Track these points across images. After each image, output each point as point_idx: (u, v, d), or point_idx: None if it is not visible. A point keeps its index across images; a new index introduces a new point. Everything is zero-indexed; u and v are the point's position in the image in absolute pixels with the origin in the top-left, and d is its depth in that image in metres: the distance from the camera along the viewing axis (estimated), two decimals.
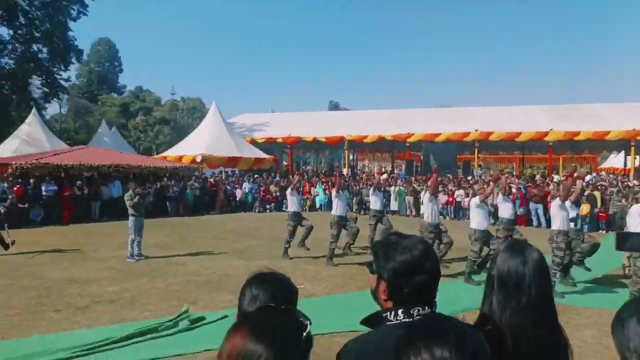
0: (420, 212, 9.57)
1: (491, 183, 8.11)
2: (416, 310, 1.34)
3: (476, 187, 8.38)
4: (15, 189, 14.89)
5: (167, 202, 18.36)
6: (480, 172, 23.11)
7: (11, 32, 30.48)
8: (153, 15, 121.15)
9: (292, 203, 10.41)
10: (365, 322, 1.41)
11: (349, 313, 6.03)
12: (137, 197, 9.81)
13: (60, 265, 9.12)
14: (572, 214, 7.81)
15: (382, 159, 33.27)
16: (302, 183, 19.81)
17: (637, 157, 23.01)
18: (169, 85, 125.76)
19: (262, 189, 21.17)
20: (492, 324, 1.49)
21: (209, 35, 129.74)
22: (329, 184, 22.09)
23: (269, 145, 27.15)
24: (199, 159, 21.96)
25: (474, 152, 24.85)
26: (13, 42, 30.78)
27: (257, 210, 20.47)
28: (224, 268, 8.94)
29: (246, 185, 21.16)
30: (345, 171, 26.78)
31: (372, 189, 11.56)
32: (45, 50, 31.49)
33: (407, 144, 25.49)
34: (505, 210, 8.74)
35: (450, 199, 18.58)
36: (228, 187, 21.06)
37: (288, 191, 10.80)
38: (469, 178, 21.08)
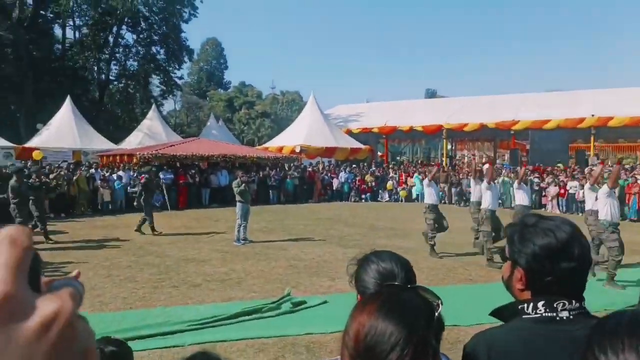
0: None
1: (599, 165, 7.63)
2: (561, 304, 1.16)
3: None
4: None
5: (269, 190, 19.33)
6: (597, 161, 20.93)
7: (135, 36, 34.04)
8: (254, 14, 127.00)
9: (429, 195, 9.72)
10: (496, 313, 1.26)
11: (448, 306, 5.89)
12: (243, 184, 10.46)
13: (177, 246, 10.08)
14: None
15: (484, 148, 31.58)
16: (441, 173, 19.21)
17: None
18: (269, 80, 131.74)
19: (357, 178, 21.34)
20: None
21: (306, 30, 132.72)
22: (426, 173, 21.58)
23: (364, 135, 27.18)
24: (297, 150, 22.73)
25: (589, 140, 22.55)
26: (136, 46, 34.33)
27: (352, 199, 20.70)
28: (322, 254, 9.22)
29: (342, 175, 21.48)
30: (443, 161, 25.94)
31: (516, 182, 9.92)
32: (162, 51, 34.67)
33: (512, 132, 23.89)
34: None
35: (562, 191, 17.14)
36: (325, 177, 21.56)
37: (425, 182, 10.14)
38: (585, 168, 19.22)
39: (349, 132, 26.80)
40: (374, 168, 22.74)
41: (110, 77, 34.13)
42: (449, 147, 29.27)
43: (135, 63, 34.51)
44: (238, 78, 70.03)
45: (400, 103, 31.56)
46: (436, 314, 0.87)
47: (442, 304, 0.90)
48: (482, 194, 9.07)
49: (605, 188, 7.39)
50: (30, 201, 10.03)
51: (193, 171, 18.24)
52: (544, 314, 1.16)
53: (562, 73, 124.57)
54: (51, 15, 31.98)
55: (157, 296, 6.47)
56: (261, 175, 19.06)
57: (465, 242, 10.29)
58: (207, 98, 53.09)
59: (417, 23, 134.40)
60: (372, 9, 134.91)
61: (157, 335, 5.05)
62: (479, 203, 9.27)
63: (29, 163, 16.76)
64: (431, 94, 63.02)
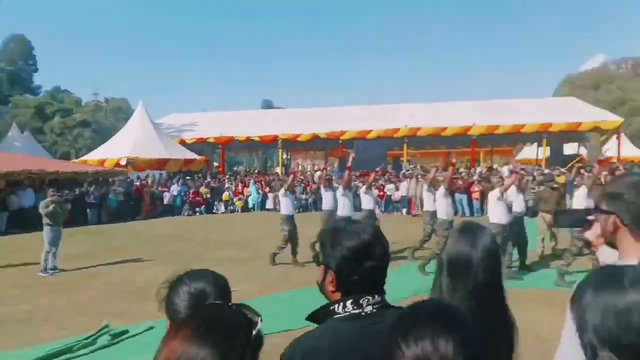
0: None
1: (513, 175, 8.32)
2: (366, 300, 1.27)
3: (494, 179, 8.72)
4: None
5: (88, 209, 17.17)
6: (410, 166, 23.88)
7: None
8: (74, 11, 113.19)
9: (285, 205, 9.34)
10: (311, 317, 1.33)
11: (283, 313, 5.91)
12: (53, 205, 9.04)
13: None
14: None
15: (316, 157, 33.44)
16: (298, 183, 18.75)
17: (548, 147, 24.88)
18: (91, 86, 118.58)
19: (192, 191, 20.44)
20: None
21: (136, 34, 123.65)
22: (262, 183, 21.83)
23: (199, 146, 26.31)
24: (123, 162, 20.79)
25: (403, 148, 25.67)
26: None
27: (186, 213, 19.72)
28: (152, 275, 8.46)
29: (174, 188, 20.31)
30: (279, 170, 26.63)
31: (364, 187, 9.91)
32: None
33: (340, 142, 25.78)
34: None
35: (381, 193, 19.04)
36: (155, 191, 20.06)
37: (281, 192, 9.60)
38: (400, 172, 21.72)
39: (183, 143, 25.64)
40: (209, 179, 22.10)
41: None
42: (285, 156, 30.21)
43: None
44: (52, 82, 61.56)
45: (237, 113, 31.49)
46: (254, 331, 0.86)
47: (261, 320, 0.89)
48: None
49: (442, 190, 8.25)
50: None
51: None
52: (351, 311, 1.26)
53: (380, 86, 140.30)
54: None
55: None
56: (77, 192, 16.82)
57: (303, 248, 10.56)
58: (10, 104, 45.26)
59: (254, 35, 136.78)
60: (210, 17, 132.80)
61: None
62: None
63: None
64: (267, 105, 64.58)
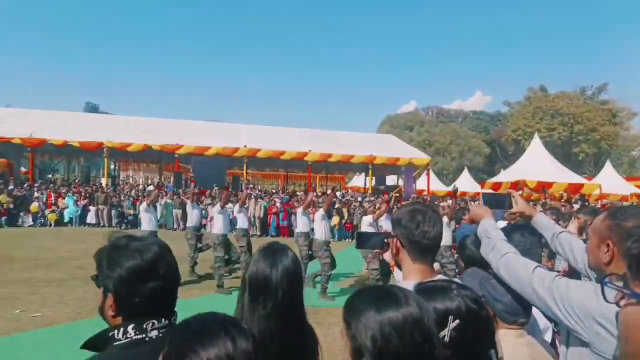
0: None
1: (383, 205, 8.54)
2: (150, 324, 1.15)
3: (367, 205, 8.81)
4: None
5: None
6: (250, 186, 23.94)
7: None
8: None
9: (147, 221, 8.68)
10: (89, 345, 1.18)
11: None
12: None
13: None
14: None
15: (149, 170, 31.15)
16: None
17: (374, 178, 27.67)
18: None
19: None
20: None
21: None
22: (82, 194, 19.36)
23: (1, 146, 22.13)
24: None
25: (242, 167, 25.64)
26: None
27: None
28: None
29: None
30: (104, 181, 23.99)
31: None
32: None
33: (176, 156, 24.50)
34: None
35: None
36: None
37: (142, 206, 8.96)
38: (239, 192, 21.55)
39: None
40: (12, 186, 18.71)
41: None
42: (112, 166, 27.39)
43: None
44: None
45: (53, 113, 27.52)
46: None
47: None
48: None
49: (321, 212, 8.20)
50: None
51: None
52: (133, 337, 1.14)
53: (220, 104, 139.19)
54: None
55: None
56: None
57: None
58: None
59: (78, 29, 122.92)
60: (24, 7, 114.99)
61: None
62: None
63: None
64: (92, 108, 58.37)
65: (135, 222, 18.35)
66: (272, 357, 1.43)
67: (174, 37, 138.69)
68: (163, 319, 1.18)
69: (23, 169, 25.65)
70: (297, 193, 21.68)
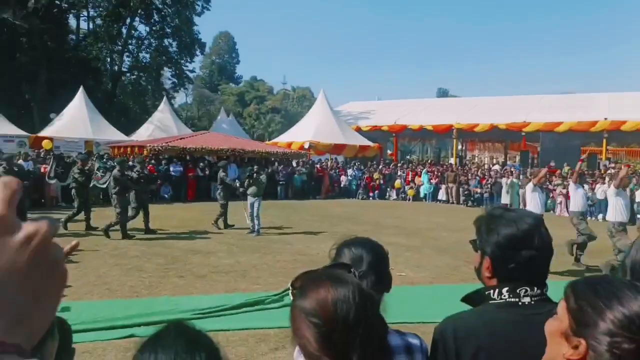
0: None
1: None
2: (523, 290, 1.24)
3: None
4: (149, 167, 16.85)
5: (277, 186, 19.41)
6: (611, 165, 20.73)
7: (147, 28, 34.26)
8: (267, 9, 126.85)
9: (532, 201, 8.32)
10: (466, 299, 1.35)
11: (451, 304, 5.91)
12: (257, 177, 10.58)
13: (185, 237, 10.20)
14: None
15: (494, 149, 31.39)
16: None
17: None
18: (281, 75, 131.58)
19: (366, 176, 21.35)
20: None
21: (318, 26, 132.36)
22: (435, 173, 21.52)
23: (374, 133, 27.15)
24: (306, 146, 22.78)
25: (601, 144, 22.32)
26: (149, 38, 34.55)
27: (360, 197, 20.72)
28: (326, 249, 9.17)
29: (350, 172, 21.50)
30: (452, 161, 25.83)
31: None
32: (174, 44, 34.85)
33: (523, 134, 23.72)
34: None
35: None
36: (333, 174, 21.60)
37: (529, 186, 8.65)
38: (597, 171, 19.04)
39: (359, 130, 26.79)
40: (382, 166, 22.73)
41: (123, 69, 34.40)
42: (459, 147, 29.12)
43: (148, 55, 34.76)
44: (250, 73, 70.60)
45: (411, 101, 31.47)
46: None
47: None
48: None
49: (612, 190, 7.47)
50: (133, 192, 10.03)
51: (202, 164, 18.36)
52: (507, 299, 1.24)
53: (574, 76, 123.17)
54: (66, 6, 32.27)
55: (164, 285, 6.58)
56: (269, 170, 19.13)
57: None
58: (219, 92, 53.30)
59: (431, 23, 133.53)
60: (386, 7, 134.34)
61: (162, 322, 5.12)
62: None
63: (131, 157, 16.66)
64: (443, 94, 62.74)
65: (481, 200, 19.09)
66: None
67: (525, 17, 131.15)
68: (535, 288, 1.24)
69: (389, 152, 30.61)
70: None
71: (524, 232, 1.25)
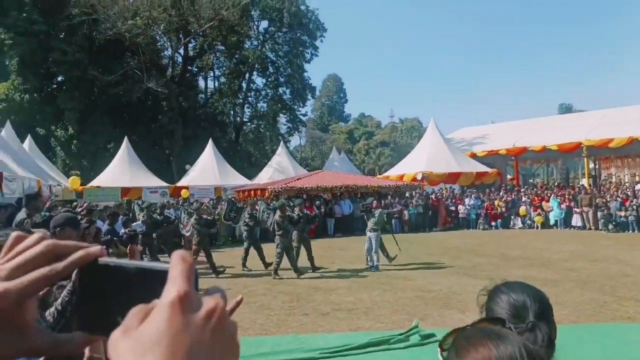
0: None
1: None
2: None
3: None
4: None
5: (392, 219, 19.26)
6: None
7: (264, 80, 37.37)
8: (370, 46, 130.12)
9: None
10: None
11: (600, 347, 5.28)
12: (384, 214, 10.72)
13: (307, 275, 10.57)
14: None
15: (636, 165, 27.63)
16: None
17: None
18: (388, 109, 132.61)
19: (486, 204, 20.21)
20: None
21: (421, 55, 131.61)
22: (566, 197, 19.60)
23: (491, 158, 25.77)
24: (419, 177, 22.42)
25: None
26: (265, 89, 37.60)
27: (481, 227, 19.61)
28: (450, 285, 8.91)
29: (468, 201, 20.53)
30: (585, 182, 23.35)
31: None
32: (288, 91, 37.41)
33: None
34: None
35: None
36: (449, 204, 20.83)
37: None
38: None
39: (474, 156, 25.66)
40: (503, 193, 21.36)
41: (244, 119, 37.70)
42: (591, 165, 26.25)
43: (265, 104, 37.72)
44: (358, 110, 72.42)
45: (529, 121, 29.43)
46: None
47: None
48: None
49: None
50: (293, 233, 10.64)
51: (318, 202, 19.05)
52: None
53: None
54: (196, 70, 36.70)
55: (290, 323, 6.86)
56: (383, 204, 19.12)
57: (618, 273, 9.11)
58: (329, 131, 55.41)
59: (544, 34, 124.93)
60: (490, 25, 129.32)
61: None
62: None
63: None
64: (566, 109, 57.69)
65: (626, 225, 16.86)
66: None
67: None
68: None
69: (509, 176, 28.72)
70: None
71: None
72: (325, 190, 19.71)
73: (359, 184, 20.51)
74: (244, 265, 11.40)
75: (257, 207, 12.18)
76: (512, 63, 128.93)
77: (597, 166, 27.79)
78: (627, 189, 19.65)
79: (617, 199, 17.83)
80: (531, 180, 30.88)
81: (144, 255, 11.24)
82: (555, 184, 26.51)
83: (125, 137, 25.13)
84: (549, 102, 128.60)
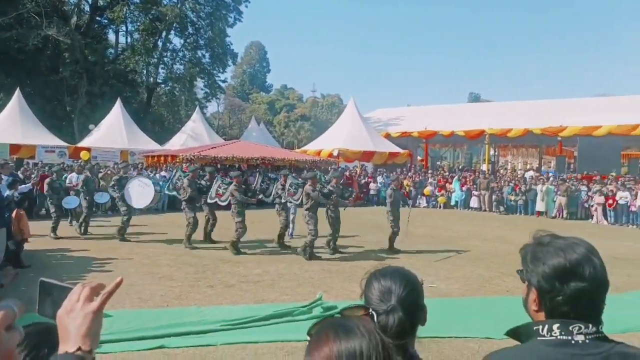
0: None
1: None
2: (577, 328, 1.13)
3: None
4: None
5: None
6: None
7: (182, 41, 35.20)
8: (297, 18, 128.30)
9: None
10: (512, 333, 1.24)
11: (485, 318, 5.76)
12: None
13: (213, 246, 10.34)
14: None
15: (528, 155, 30.52)
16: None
17: None
18: (310, 83, 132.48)
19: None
20: None
21: (347, 33, 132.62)
22: (467, 180, 21.10)
23: (404, 140, 26.91)
24: (335, 153, 22.78)
25: None
26: (183, 50, 35.48)
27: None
28: (356, 260, 9.22)
29: (380, 180, 21.33)
30: (484, 167, 25.31)
31: None
32: (207, 55, 35.64)
33: (559, 138, 22.99)
34: None
35: (611, 201, 16.32)
36: (362, 181, 21.48)
37: None
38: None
39: (388, 136, 26.61)
40: (412, 173, 22.45)
41: (158, 80, 35.41)
42: (492, 152, 28.50)
43: (182, 66, 35.67)
44: (280, 81, 71.53)
45: (442, 107, 31.07)
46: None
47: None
48: None
49: None
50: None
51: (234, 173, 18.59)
52: (558, 337, 1.13)
53: (610, 78, 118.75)
54: (105, 21, 33.59)
55: (193, 295, 6.67)
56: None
57: (504, 251, 10.02)
58: (250, 101, 54.11)
59: (460, 26, 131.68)
60: (413, 12, 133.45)
61: (192, 333, 5.21)
62: None
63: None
64: (474, 98, 61.69)
65: (515, 208, 18.58)
66: None
67: (559, 17, 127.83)
68: (590, 325, 1.14)
69: (419, 158, 30.26)
70: None
71: (572, 262, 1.15)
72: (240, 160, 19.30)
73: (276, 156, 20.35)
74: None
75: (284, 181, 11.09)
76: (432, 49, 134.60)
77: (496, 153, 30.23)
78: (519, 176, 21.62)
79: (510, 184, 19.57)
80: (438, 163, 32.83)
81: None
82: (459, 167, 28.42)
83: (18, 88, 22.40)
84: (460, 89, 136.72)
